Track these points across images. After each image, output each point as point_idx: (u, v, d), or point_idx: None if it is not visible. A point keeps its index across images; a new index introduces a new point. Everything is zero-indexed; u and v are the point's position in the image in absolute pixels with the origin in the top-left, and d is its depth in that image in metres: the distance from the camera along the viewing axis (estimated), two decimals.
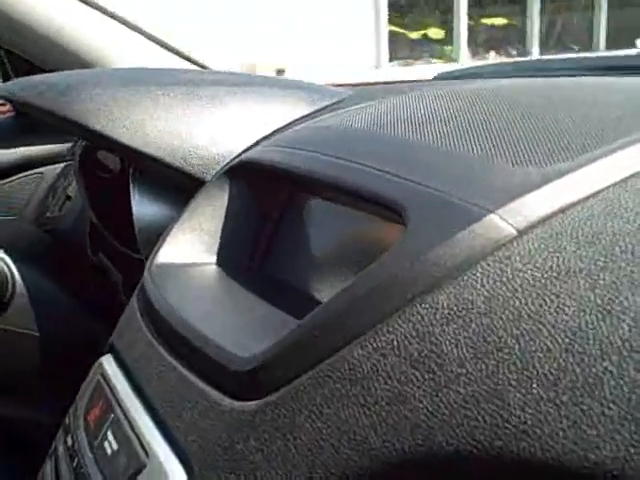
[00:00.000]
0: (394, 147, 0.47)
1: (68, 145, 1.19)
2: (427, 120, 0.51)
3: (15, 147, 1.21)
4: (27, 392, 0.83)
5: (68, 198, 1.14)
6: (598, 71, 0.69)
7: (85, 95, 0.70)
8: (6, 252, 0.82)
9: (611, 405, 0.29)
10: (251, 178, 0.59)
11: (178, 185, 0.70)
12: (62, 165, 1.20)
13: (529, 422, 0.31)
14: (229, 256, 0.58)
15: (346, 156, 0.48)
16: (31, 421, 0.86)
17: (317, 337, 0.38)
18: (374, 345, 0.36)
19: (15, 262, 0.81)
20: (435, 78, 1.01)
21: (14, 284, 0.80)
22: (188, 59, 1.22)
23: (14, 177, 1.20)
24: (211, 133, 0.69)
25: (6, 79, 1.21)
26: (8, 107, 1.33)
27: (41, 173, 1.20)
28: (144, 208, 0.71)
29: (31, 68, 1.08)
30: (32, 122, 1.21)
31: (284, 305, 0.50)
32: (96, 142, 0.74)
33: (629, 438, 0.28)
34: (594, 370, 0.30)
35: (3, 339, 0.80)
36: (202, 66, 1.25)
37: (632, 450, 0.28)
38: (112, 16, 1.13)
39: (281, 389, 0.38)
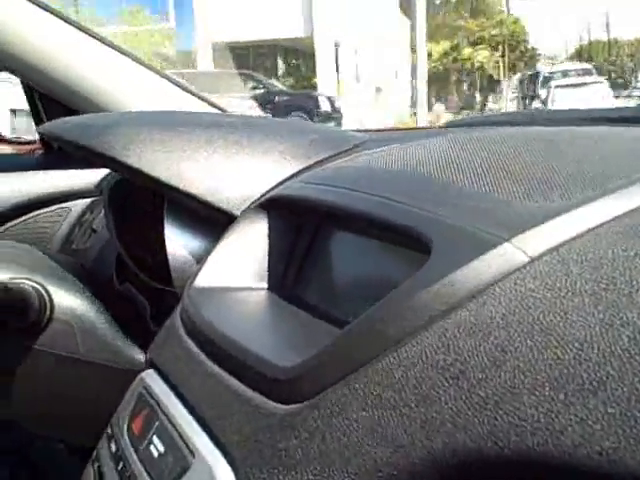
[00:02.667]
0: (418, 185, 0.53)
1: (91, 178, 1.25)
2: (446, 162, 0.56)
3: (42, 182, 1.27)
4: (62, 413, 0.87)
5: (94, 231, 1.19)
6: (597, 121, 0.75)
7: (123, 134, 0.76)
8: (44, 279, 0.87)
9: (613, 404, 0.34)
10: (282, 211, 0.65)
11: (208, 220, 0.75)
12: (88, 200, 1.26)
13: (542, 420, 0.36)
14: (262, 280, 0.63)
15: (373, 192, 0.53)
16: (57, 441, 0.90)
17: (352, 348, 0.43)
18: (405, 355, 0.41)
19: (53, 289, 0.86)
20: (447, 125, 1.08)
21: (52, 308, 0.85)
22: (209, 102, 1.29)
23: (41, 211, 1.26)
24: (238, 172, 0.74)
25: (38, 121, 1.27)
26: (36, 145, 1.40)
27: (68, 207, 1.25)
28: (177, 242, 0.76)
29: (63, 111, 1.15)
30: (59, 159, 1.28)
31: (313, 324, 0.55)
32: (133, 178, 0.80)
33: (629, 432, 0.33)
34: (598, 375, 0.35)
35: (40, 361, 0.85)
36: (220, 109, 1.32)
37: (631, 441, 0.33)
38: (140, 62, 1.20)
39: (320, 394, 0.43)
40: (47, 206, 1.27)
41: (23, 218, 1.25)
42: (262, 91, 13.62)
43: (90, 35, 1.16)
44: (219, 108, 1.32)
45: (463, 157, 0.57)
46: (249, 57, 19.55)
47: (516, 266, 0.40)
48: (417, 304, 0.41)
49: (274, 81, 16.62)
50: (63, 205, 1.26)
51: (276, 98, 13.18)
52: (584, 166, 0.49)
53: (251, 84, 14.02)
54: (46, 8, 1.11)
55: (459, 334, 0.39)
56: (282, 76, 19.72)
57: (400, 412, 0.40)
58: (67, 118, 0.87)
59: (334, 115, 13.20)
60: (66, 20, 1.14)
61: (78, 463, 0.73)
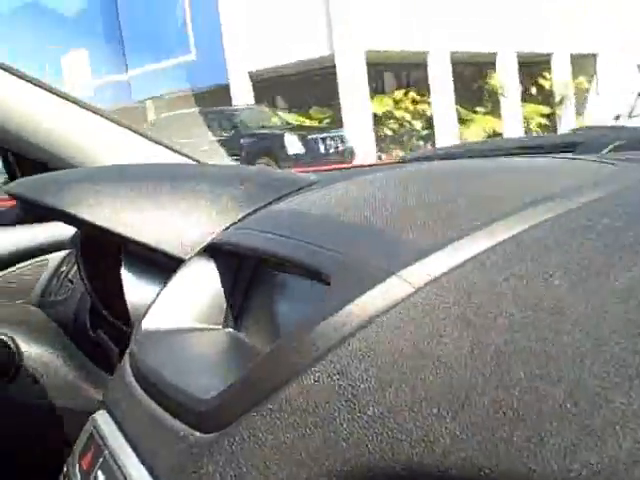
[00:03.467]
0: (329, 225, 0.58)
1: (68, 230, 1.30)
2: (362, 200, 0.61)
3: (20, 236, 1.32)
4: (29, 458, 0.91)
5: (70, 282, 1.24)
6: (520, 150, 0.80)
7: (76, 189, 0.81)
8: (13, 330, 0.91)
9: (477, 415, 0.39)
10: (222, 256, 0.69)
11: (162, 265, 0.80)
12: (65, 252, 1.31)
13: (419, 433, 0.40)
14: (206, 321, 0.68)
15: (293, 235, 0.58)
16: None
17: (261, 378, 0.47)
18: (306, 382, 0.45)
19: (21, 339, 0.91)
20: (401, 160, 1.13)
21: (20, 359, 0.89)
22: (180, 153, 1.35)
23: (22, 264, 1.31)
24: (189, 220, 0.79)
25: (12, 177, 1.33)
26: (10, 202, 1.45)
27: (46, 260, 1.30)
28: (134, 287, 0.80)
29: (36, 167, 1.20)
30: (32, 214, 1.33)
31: (243, 358, 0.60)
32: (88, 231, 0.84)
33: (489, 437, 0.38)
34: (466, 391, 0.40)
35: (9, 410, 0.88)
36: (193, 159, 1.38)
37: (489, 445, 0.37)
38: (108, 117, 1.26)
39: (233, 422, 0.47)
40: (26, 259, 1.32)
41: (3, 272, 1.30)
42: (231, 133, 12.36)
43: (57, 95, 1.22)
44: (191, 158, 1.37)
45: (378, 195, 0.62)
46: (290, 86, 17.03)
47: (402, 296, 0.45)
48: (315, 335, 0.45)
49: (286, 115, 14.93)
50: (42, 258, 1.31)
51: (241, 141, 12.08)
52: (476, 199, 0.54)
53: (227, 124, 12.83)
54: (13, 72, 1.18)
55: (351, 361, 0.44)
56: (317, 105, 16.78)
57: (303, 434, 0.44)
58: (30, 177, 0.92)
59: (341, 156, 12.11)
60: (31, 81, 1.20)
61: None
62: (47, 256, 1.32)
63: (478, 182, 0.60)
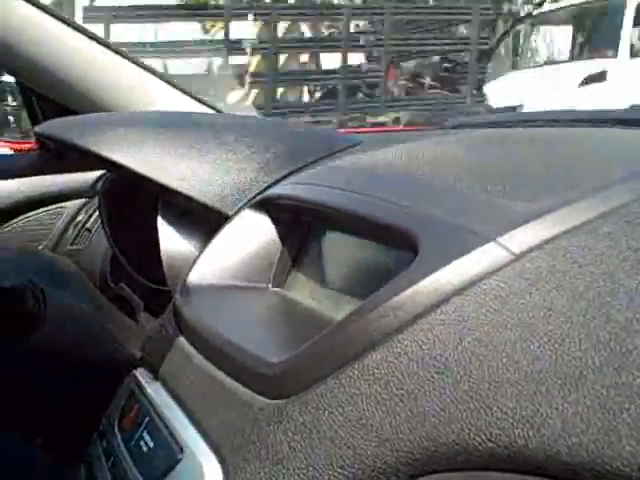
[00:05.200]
0: (407, 184, 0.54)
1: (86, 180, 1.26)
2: (436, 162, 0.57)
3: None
4: (52, 410, 0.88)
5: (88, 231, 1.20)
6: (584, 123, 0.76)
7: (117, 134, 0.76)
8: (40, 279, 0.87)
9: (592, 398, 0.35)
10: (275, 211, 0.65)
11: (202, 220, 0.76)
12: (83, 200, 1.27)
13: (523, 413, 0.36)
14: (254, 278, 0.64)
15: (363, 191, 0.54)
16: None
17: (339, 344, 0.43)
18: (390, 351, 0.41)
19: (45, 286, 0.87)
20: (449, 127, 1.08)
21: (45, 307, 0.85)
22: (205, 104, 1.30)
23: (36, 211, 1.26)
24: (232, 173, 0.75)
25: (35, 121, 1.28)
26: (30, 145, 1.41)
27: (62, 207, 1.26)
28: (171, 241, 0.76)
29: (60, 111, 1.15)
30: (53, 158, 1.28)
31: (304, 321, 0.56)
32: (126, 178, 0.80)
33: (607, 425, 0.34)
34: (578, 369, 0.36)
35: (34, 360, 0.85)
36: (216, 110, 1.33)
37: (610, 434, 0.34)
38: (137, 63, 1.21)
39: (306, 389, 0.44)
40: (42, 207, 1.27)
41: (18, 219, 1.25)
42: None
43: (87, 35, 1.16)
44: (215, 109, 1.32)
45: (453, 158, 0.58)
46: None
47: (501, 263, 0.41)
48: (403, 301, 0.42)
49: None
50: (57, 205, 1.26)
51: None
52: (572, 167, 0.50)
53: None
54: (42, 8, 1.12)
55: (443, 330, 0.40)
56: None
57: (385, 406, 0.40)
58: (62, 119, 0.87)
59: None
60: (62, 20, 1.14)
61: (53, 462, 0.74)
62: (63, 204, 1.28)
63: (572, 150, 0.56)
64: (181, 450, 0.49)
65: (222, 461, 0.46)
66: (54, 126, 0.84)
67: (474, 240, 0.42)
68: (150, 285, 0.90)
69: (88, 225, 1.21)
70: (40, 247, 1.23)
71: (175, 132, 0.78)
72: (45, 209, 1.27)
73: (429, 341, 0.40)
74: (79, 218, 1.25)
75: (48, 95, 1.20)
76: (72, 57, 1.19)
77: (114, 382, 0.67)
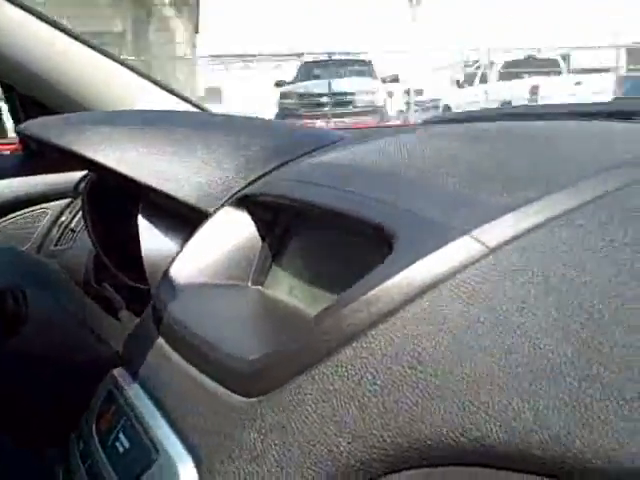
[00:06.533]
0: (384, 179, 0.53)
1: (70, 180, 1.25)
2: (414, 157, 0.57)
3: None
4: (34, 412, 0.87)
5: (72, 232, 1.19)
6: (568, 116, 0.76)
7: (98, 133, 0.75)
8: (22, 280, 0.86)
9: (565, 390, 0.35)
10: (254, 208, 0.65)
11: (182, 218, 0.75)
12: (66, 201, 1.26)
13: (496, 407, 0.36)
14: (233, 276, 0.63)
15: (341, 186, 0.54)
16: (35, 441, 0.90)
17: (313, 341, 0.43)
18: (364, 346, 0.41)
19: (27, 288, 0.86)
20: (424, 122, 1.08)
21: (26, 308, 0.84)
22: (190, 102, 1.29)
23: (20, 212, 1.25)
24: (214, 171, 0.74)
25: (17, 121, 1.27)
26: (16, 145, 1.40)
27: (46, 208, 1.25)
28: (151, 240, 0.76)
29: (41, 110, 1.14)
30: (37, 158, 1.27)
31: (281, 318, 0.55)
32: (107, 177, 0.79)
33: (578, 416, 0.34)
34: (551, 361, 0.36)
35: (16, 363, 0.84)
36: (201, 108, 1.32)
37: (580, 426, 0.34)
38: (120, 62, 1.20)
39: (280, 387, 0.43)
40: (26, 207, 1.26)
41: (2, 220, 1.24)
42: None
43: (69, 35, 1.16)
44: (198, 107, 1.32)
45: (432, 153, 0.57)
46: None
47: (476, 257, 0.41)
48: (377, 296, 0.41)
49: None
50: (41, 206, 1.25)
51: None
52: (548, 161, 0.49)
53: None
54: (23, 7, 1.11)
55: (417, 324, 0.40)
56: None
57: (358, 403, 0.40)
58: (44, 118, 0.86)
59: None
60: (44, 19, 1.13)
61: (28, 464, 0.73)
62: (47, 204, 1.27)
63: (550, 143, 0.56)
64: (156, 450, 0.48)
65: (197, 461, 0.46)
66: (35, 125, 0.83)
67: (449, 234, 0.42)
68: (132, 284, 0.89)
69: (72, 225, 1.20)
70: (24, 248, 1.22)
71: (156, 130, 0.77)
72: (29, 210, 1.26)
73: (403, 336, 0.40)
74: (63, 218, 1.24)
75: (30, 94, 1.19)
76: (54, 56, 1.18)
77: (98, 383, 0.67)
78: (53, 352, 0.86)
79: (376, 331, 0.41)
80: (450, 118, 1.03)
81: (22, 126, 0.82)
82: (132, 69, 1.24)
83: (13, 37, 1.14)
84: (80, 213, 1.19)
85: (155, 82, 1.26)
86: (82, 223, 1.16)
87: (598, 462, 0.33)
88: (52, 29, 1.17)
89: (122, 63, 1.20)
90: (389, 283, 0.41)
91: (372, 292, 0.41)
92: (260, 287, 0.63)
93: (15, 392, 0.86)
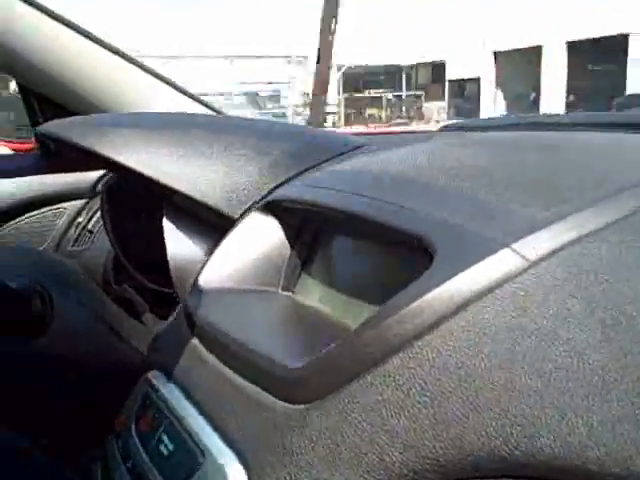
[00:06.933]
0: (418, 188, 0.54)
1: (86, 180, 1.26)
2: (445, 165, 0.58)
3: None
4: (61, 413, 0.88)
5: (90, 232, 1.20)
6: (592, 127, 0.77)
7: (121, 135, 0.76)
8: (46, 281, 0.87)
9: (617, 406, 0.36)
10: (283, 214, 0.66)
11: (206, 223, 0.76)
12: (83, 201, 1.26)
13: (549, 421, 0.37)
14: (263, 282, 0.64)
15: (373, 194, 0.55)
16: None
17: (360, 350, 0.44)
18: (411, 357, 0.42)
19: (54, 291, 0.87)
20: (444, 128, 1.09)
21: (52, 310, 0.85)
22: (205, 105, 1.30)
23: (37, 212, 1.26)
24: (238, 175, 0.75)
25: (35, 122, 1.27)
26: (31, 145, 1.40)
27: (64, 208, 1.26)
28: (177, 244, 0.76)
29: (59, 112, 1.15)
30: (55, 159, 1.28)
31: (315, 325, 0.56)
32: (131, 179, 0.80)
33: (634, 433, 0.35)
34: (601, 377, 0.37)
35: (43, 364, 0.85)
36: (217, 111, 1.33)
37: (638, 442, 0.35)
38: (137, 64, 1.20)
39: (328, 395, 0.44)
40: (42, 207, 1.27)
41: (19, 219, 1.25)
42: None
43: (88, 37, 1.16)
44: (215, 110, 1.32)
45: (463, 161, 0.58)
46: None
47: (517, 270, 0.42)
48: (421, 307, 0.42)
49: None
50: (58, 206, 1.26)
51: None
52: (583, 173, 0.50)
53: None
54: (41, 8, 1.12)
55: (464, 336, 0.41)
56: None
57: (409, 413, 0.41)
58: (65, 119, 0.87)
59: None
60: (62, 20, 1.14)
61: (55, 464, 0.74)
62: (64, 204, 1.28)
63: (582, 155, 0.57)
64: (202, 453, 0.50)
65: (245, 465, 0.47)
66: (57, 126, 0.83)
67: (490, 246, 0.43)
68: (153, 287, 0.90)
69: (89, 226, 1.21)
70: (41, 247, 1.23)
71: (180, 134, 0.78)
72: (45, 209, 1.27)
73: (449, 348, 0.41)
74: (80, 219, 1.25)
75: (48, 96, 1.20)
76: (72, 58, 1.19)
77: (123, 384, 0.67)
78: (78, 353, 0.87)
79: (422, 342, 0.42)
80: (471, 125, 1.04)
81: (44, 126, 0.82)
82: (149, 71, 1.24)
83: (30, 38, 1.15)
84: (98, 214, 1.20)
85: (168, 82, 1.27)
86: (100, 224, 1.17)
87: None
88: (69, 30, 1.17)
89: (139, 65, 1.20)
90: (432, 295, 0.42)
91: (415, 303, 0.43)
92: (291, 294, 0.64)
93: (41, 392, 0.87)
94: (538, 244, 0.42)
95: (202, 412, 0.53)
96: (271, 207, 0.67)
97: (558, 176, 0.50)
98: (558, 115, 1.20)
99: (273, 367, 0.48)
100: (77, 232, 1.23)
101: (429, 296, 0.42)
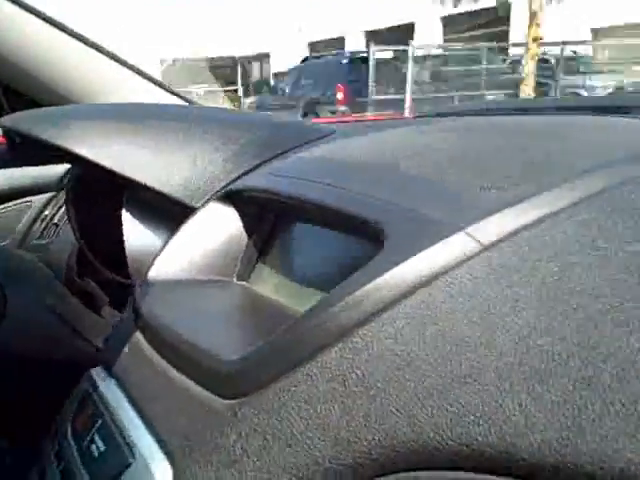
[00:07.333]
0: (374, 174, 0.52)
1: (53, 174, 1.23)
2: (405, 152, 0.55)
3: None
4: (15, 410, 0.85)
5: (55, 226, 1.17)
6: (562, 111, 0.75)
7: (81, 126, 0.73)
8: (1, 276, 0.84)
9: (558, 392, 0.33)
10: (241, 203, 0.63)
11: (167, 213, 0.73)
12: (50, 194, 1.24)
13: (486, 409, 0.34)
14: (218, 272, 0.61)
15: (330, 182, 0.52)
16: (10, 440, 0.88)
17: (297, 341, 0.41)
18: (351, 346, 0.39)
19: (5, 284, 0.84)
20: (416, 117, 1.07)
21: (5, 306, 0.82)
22: (176, 94, 1.27)
23: (2, 206, 1.23)
24: (198, 165, 0.73)
25: (1, 113, 1.24)
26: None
27: (29, 202, 1.23)
28: (135, 235, 0.74)
29: (26, 103, 1.12)
30: (20, 152, 1.25)
31: (267, 316, 0.54)
32: (91, 170, 0.78)
33: (571, 421, 0.32)
34: (544, 363, 0.34)
35: None
36: (187, 100, 1.30)
37: (574, 430, 0.32)
38: (105, 52, 1.17)
39: (261, 389, 0.42)
40: (9, 201, 1.24)
41: None
42: None
43: (55, 26, 1.13)
44: (186, 100, 1.29)
45: (425, 147, 0.56)
46: None
47: (469, 254, 0.39)
48: (365, 294, 0.40)
49: None
50: (24, 199, 1.23)
51: None
52: (544, 156, 0.48)
53: None
54: None
55: (406, 323, 0.38)
56: None
57: (343, 405, 0.38)
58: (28, 111, 0.84)
59: None
60: (29, 9, 1.11)
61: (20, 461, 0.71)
62: (30, 198, 1.25)
63: (546, 138, 0.54)
64: (132, 454, 0.47)
65: (174, 465, 0.44)
66: (19, 118, 0.81)
67: (442, 230, 0.40)
68: (116, 279, 0.88)
69: (55, 219, 1.18)
70: (7, 241, 1.20)
71: (141, 124, 0.75)
72: (12, 203, 1.24)
73: (391, 335, 0.38)
74: (46, 212, 1.23)
75: (14, 87, 1.17)
76: (38, 47, 1.16)
77: (76, 381, 0.65)
78: (31, 349, 0.84)
79: (363, 330, 0.39)
80: (442, 112, 1.02)
81: (6, 119, 0.80)
82: (118, 60, 1.21)
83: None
84: (64, 207, 1.17)
85: (141, 73, 1.24)
86: (65, 217, 1.14)
87: (589, 467, 0.32)
88: (36, 19, 1.14)
89: (108, 54, 1.17)
90: (379, 280, 0.40)
91: (360, 290, 0.40)
92: (245, 283, 0.62)
93: None
94: (492, 228, 0.40)
95: (138, 409, 0.50)
96: (230, 196, 0.65)
97: (518, 160, 0.48)
98: (540, 99, 1.18)
99: (208, 360, 0.46)
100: (43, 225, 1.20)
101: (374, 282, 0.40)
